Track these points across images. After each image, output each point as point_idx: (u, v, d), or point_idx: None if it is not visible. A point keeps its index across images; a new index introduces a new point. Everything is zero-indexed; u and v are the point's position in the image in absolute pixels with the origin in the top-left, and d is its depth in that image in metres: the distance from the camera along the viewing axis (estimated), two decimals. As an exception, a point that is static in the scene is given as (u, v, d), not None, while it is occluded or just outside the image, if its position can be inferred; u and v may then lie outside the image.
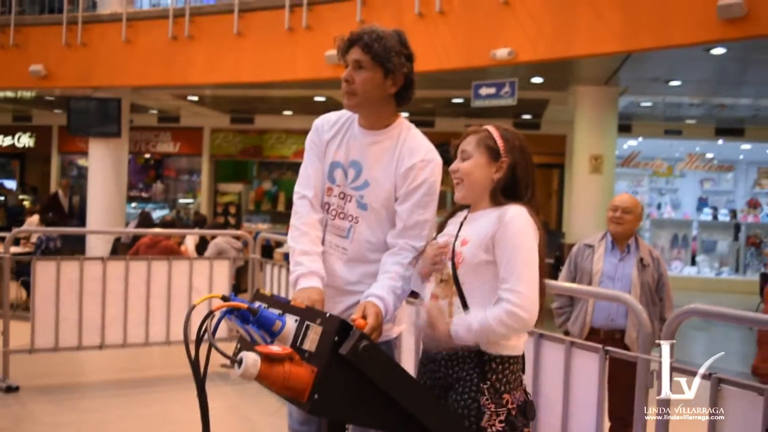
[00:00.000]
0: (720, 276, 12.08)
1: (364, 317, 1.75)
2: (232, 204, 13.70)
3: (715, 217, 12.58)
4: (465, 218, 1.85)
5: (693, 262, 12.32)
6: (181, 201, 14.48)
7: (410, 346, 3.19)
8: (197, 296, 5.08)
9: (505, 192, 1.79)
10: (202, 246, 8.14)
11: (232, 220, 13.23)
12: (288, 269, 5.25)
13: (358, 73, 1.94)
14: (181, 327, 5.07)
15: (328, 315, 1.50)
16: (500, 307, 1.65)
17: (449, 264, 1.76)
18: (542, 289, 1.72)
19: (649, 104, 9.81)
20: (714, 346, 7.19)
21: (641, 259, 3.41)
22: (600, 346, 2.39)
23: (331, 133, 2.07)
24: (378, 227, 2.00)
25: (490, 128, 1.82)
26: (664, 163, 12.79)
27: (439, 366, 1.77)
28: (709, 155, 12.72)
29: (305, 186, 2.07)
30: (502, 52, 6.37)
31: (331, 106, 9.81)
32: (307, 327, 1.52)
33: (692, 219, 12.66)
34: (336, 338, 1.45)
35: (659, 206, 12.98)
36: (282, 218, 13.20)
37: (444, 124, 11.87)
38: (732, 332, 7.79)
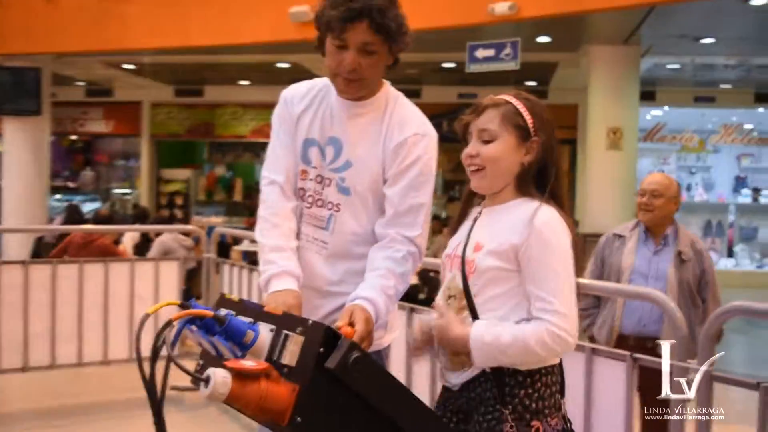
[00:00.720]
0: (762, 269, 12.28)
1: (351, 324, 1.76)
2: (179, 194, 13.63)
3: (755, 199, 12.77)
4: (479, 213, 1.85)
5: (730, 254, 12.51)
6: (117, 191, 14.37)
7: (401, 357, 3.21)
8: (140, 305, 5.05)
9: (532, 180, 1.79)
10: (143, 245, 8.11)
11: (179, 213, 13.17)
12: (249, 270, 5.25)
13: (367, 59, 1.93)
14: (120, 343, 5.06)
15: (310, 322, 1.51)
16: (541, 326, 1.64)
17: (458, 275, 1.77)
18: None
19: (676, 66, 9.93)
20: (757, 351, 7.31)
21: (680, 253, 3.43)
22: (627, 353, 2.42)
23: (303, 106, 2.08)
24: (364, 215, 2.01)
25: (513, 100, 1.81)
26: (695, 136, 12.94)
27: (456, 393, 1.78)
28: (748, 126, 12.88)
29: (274, 169, 2.07)
30: (501, 7, 6.41)
31: (298, 74, 9.80)
32: (286, 337, 1.52)
33: (728, 202, 12.84)
34: (321, 350, 1.45)
35: (689, 187, 13.11)
36: (239, 210, 13.18)
37: (432, 93, 11.91)
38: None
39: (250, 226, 10.92)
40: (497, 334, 1.66)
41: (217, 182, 13.97)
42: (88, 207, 12.63)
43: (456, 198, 12.43)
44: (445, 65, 10.03)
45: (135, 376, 1.51)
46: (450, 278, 1.82)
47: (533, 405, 1.68)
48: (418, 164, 1.96)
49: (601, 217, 7.72)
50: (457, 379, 1.78)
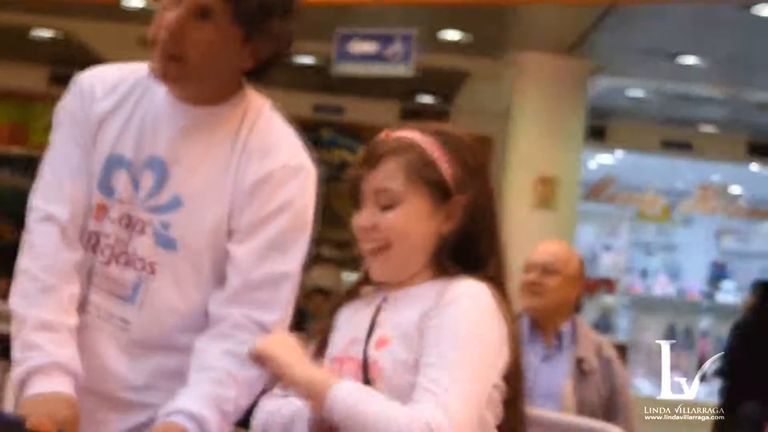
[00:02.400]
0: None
1: None
2: None
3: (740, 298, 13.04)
4: (381, 302, 1.89)
5: (703, 378, 12.72)
6: None
7: None
8: None
9: (456, 255, 1.85)
10: None
11: None
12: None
13: (197, 27, 1.96)
14: None
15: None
16: (418, 414, 1.66)
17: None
18: (520, 422, 1.82)
19: (639, 94, 10.25)
20: None
21: (580, 360, 3.54)
22: None
23: (109, 103, 2.08)
24: (193, 283, 2.02)
25: (421, 140, 1.86)
26: (659, 199, 13.19)
27: None
28: (735, 189, 13.23)
29: (53, 198, 2.05)
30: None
31: (67, 49, 9.62)
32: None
33: (700, 300, 13.13)
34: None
35: (645, 273, 13.49)
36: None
37: (276, 100, 11.92)
38: None
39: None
40: (364, 399, 1.69)
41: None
42: None
43: (323, 258, 12.20)
44: (300, 60, 10.10)
45: None
46: None
47: None
48: (286, 212, 2.00)
49: (519, 302, 7.87)
50: None
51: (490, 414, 1.80)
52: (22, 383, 1.88)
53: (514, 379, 1.83)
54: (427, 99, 11.85)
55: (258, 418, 1.89)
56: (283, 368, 1.76)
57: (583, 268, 3.72)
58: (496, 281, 1.85)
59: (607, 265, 13.18)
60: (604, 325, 11.96)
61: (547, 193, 8.35)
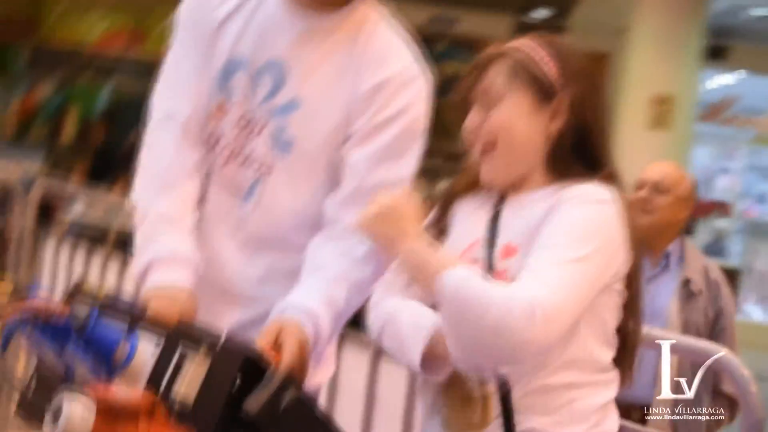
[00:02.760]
0: None
1: (277, 346, 1.77)
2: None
3: None
4: (498, 209, 1.87)
5: None
6: None
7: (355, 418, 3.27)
8: None
9: (571, 158, 1.82)
10: None
11: (-32, 151, 12.91)
12: (89, 251, 5.19)
13: None
14: None
15: (223, 338, 1.52)
16: (516, 291, 1.64)
17: None
18: (632, 334, 1.82)
19: (763, 13, 9.99)
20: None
21: (687, 281, 3.48)
22: None
23: (228, 7, 2.08)
24: (308, 186, 2.04)
25: (527, 45, 1.85)
26: None
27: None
28: None
29: (174, 98, 2.08)
30: None
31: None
32: (182, 358, 1.53)
33: None
34: (236, 383, 1.46)
35: (761, 198, 13.36)
36: (70, 156, 12.94)
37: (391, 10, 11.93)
38: None
39: (85, 181, 10.74)
40: (472, 280, 1.66)
41: (37, 111, 13.70)
42: None
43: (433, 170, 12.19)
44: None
45: None
46: None
47: None
48: (401, 119, 1.99)
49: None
50: None
51: (609, 316, 1.79)
52: (143, 274, 1.92)
53: (631, 285, 1.81)
54: (542, 13, 11.69)
55: (377, 316, 1.86)
56: (396, 243, 1.77)
57: (695, 190, 3.64)
58: (616, 180, 1.82)
59: (722, 188, 13.01)
60: (716, 248, 11.82)
61: (662, 112, 8.21)
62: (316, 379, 2.12)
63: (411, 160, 2.03)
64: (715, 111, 12.76)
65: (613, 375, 1.82)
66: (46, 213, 8.83)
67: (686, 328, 3.39)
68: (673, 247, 3.54)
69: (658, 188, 3.49)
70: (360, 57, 2.01)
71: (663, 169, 3.56)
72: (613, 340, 1.82)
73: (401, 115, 1.99)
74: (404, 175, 2.01)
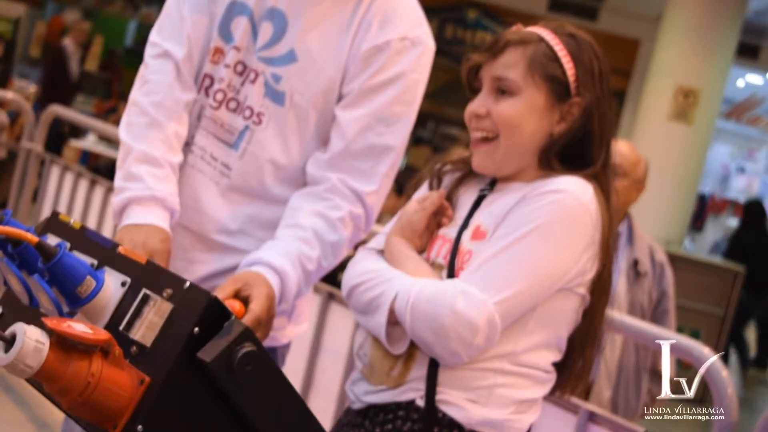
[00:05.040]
0: None
1: (243, 299, 1.78)
2: (0, 39, 13.34)
3: None
4: (484, 193, 1.88)
5: None
6: None
7: (301, 362, 3.27)
8: None
9: (564, 155, 1.82)
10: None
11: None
12: (90, 181, 5.20)
13: None
14: None
15: (187, 284, 1.51)
16: (454, 288, 1.70)
17: (444, 271, 1.80)
18: (593, 336, 1.83)
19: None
20: None
21: (635, 262, 3.51)
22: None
23: None
24: (297, 139, 2.04)
25: (549, 36, 1.83)
26: None
27: (360, 418, 1.83)
28: None
29: (171, 35, 2.07)
30: None
31: None
32: (144, 300, 1.52)
33: None
34: (196, 330, 1.46)
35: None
36: (89, 84, 12.95)
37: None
38: None
39: (101, 114, 10.78)
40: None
41: (63, 35, 13.69)
42: None
43: (424, 140, 12.32)
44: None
45: None
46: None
47: None
48: (397, 84, 1.99)
49: (647, 218, 7.70)
50: (367, 395, 1.83)
51: (562, 319, 1.79)
52: (120, 212, 1.94)
53: (597, 292, 1.81)
54: (576, -6, 11.63)
55: (350, 275, 1.86)
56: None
57: (647, 172, 3.60)
58: (602, 183, 1.82)
59: (737, 187, 12.95)
60: (723, 246, 11.75)
61: (685, 105, 8.15)
62: (288, 334, 2.15)
63: (403, 128, 2.02)
64: (739, 109, 12.70)
65: (549, 377, 1.82)
66: (58, 142, 8.88)
67: (632, 309, 3.43)
68: (622, 227, 3.54)
69: (615, 172, 3.47)
70: (363, 16, 2.00)
71: (621, 151, 3.47)
72: (561, 344, 1.83)
73: (397, 80, 1.99)
74: (394, 143, 2.01)
